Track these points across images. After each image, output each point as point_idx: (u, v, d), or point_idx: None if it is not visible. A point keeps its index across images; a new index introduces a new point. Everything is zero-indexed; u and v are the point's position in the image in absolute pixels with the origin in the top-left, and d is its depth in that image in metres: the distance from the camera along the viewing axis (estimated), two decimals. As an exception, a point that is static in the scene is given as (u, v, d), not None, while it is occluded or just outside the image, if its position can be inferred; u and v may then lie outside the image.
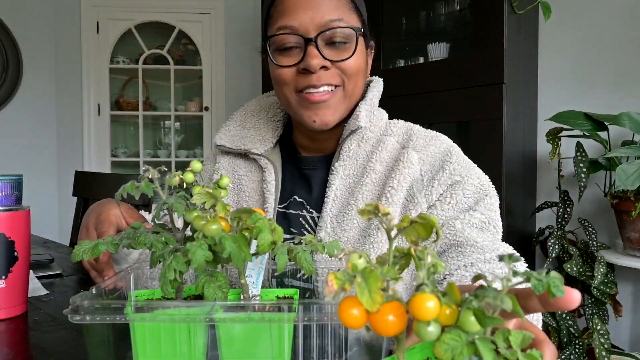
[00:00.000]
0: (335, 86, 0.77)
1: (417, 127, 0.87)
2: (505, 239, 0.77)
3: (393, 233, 0.35)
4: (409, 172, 0.77)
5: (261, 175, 0.86)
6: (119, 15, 3.40)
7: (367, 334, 0.54)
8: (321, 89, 0.76)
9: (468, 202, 0.76)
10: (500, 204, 0.80)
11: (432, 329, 0.29)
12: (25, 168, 3.18)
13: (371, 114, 0.83)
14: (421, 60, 2.17)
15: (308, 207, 0.84)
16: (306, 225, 0.83)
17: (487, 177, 0.81)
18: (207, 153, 3.50)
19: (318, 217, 0.82)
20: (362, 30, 0.78)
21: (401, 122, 0.88)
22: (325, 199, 0.80)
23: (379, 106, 0.90)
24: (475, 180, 0.77)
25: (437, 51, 2.11)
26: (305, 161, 0.87)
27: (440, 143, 0.82)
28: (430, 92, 2.02)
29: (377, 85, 0.88)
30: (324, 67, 0.75)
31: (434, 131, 0.86)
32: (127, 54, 3.52)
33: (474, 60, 1.90)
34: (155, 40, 3.53)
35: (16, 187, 1.17)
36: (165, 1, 3.40)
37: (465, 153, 0.85)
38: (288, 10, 0.75)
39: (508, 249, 0.73)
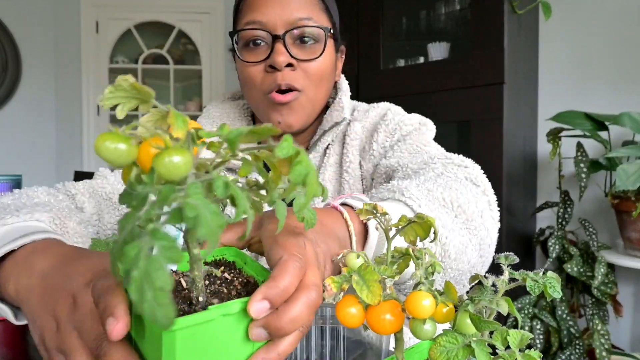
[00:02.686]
0: (298, 91, 0.75)
1: (360, 103, 0.89)
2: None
3: (391, 233, 0.35)
4: (356, 143, 0.80)
5: None
6: (119, 15, 3.40)
7: (369, 335, 0.54)
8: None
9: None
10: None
11: (428, 327, 0.29)
12: (25, 168, 3.18)
13: (350, 106, 0.85)
14: (421, 60, 2.17)
15: None
16: None
17: (420, 116, 0.83)
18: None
19: None
20: (331, 31, 0.78)
21: (351, 103, 0.89)
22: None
23: None
24: (410, 124, 0.79)
25: (437, 51, 2.10)
26: None
27: (379, 109, 0.84)
28: (430, 92, 2.02)
29: (345, 81, 0.88)
30: (290, 65, 0.73)
31: (376, 103, 0.88)
32: (126, 53, 3.52)
33: (474, 60, 1.90)
34: (154, 40, 3.53)
35: (16, 187, 1.17)
36: (165, 1, 3.39)
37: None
38: (257, 5, 0.74)
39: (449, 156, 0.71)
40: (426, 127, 0.79)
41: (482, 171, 0.67)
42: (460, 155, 0.70)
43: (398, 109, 0.83)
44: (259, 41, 0.74)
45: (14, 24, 3.20)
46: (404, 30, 2.36)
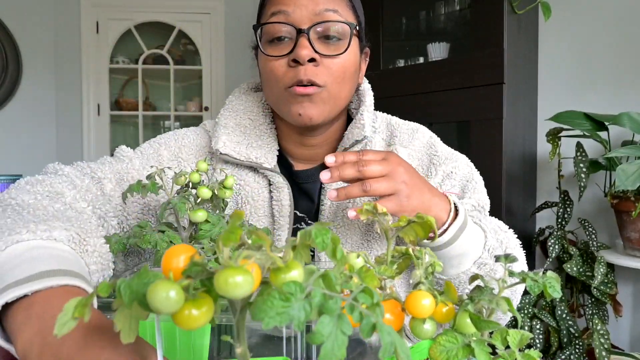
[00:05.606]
0: (320, 86, 0.73)
1: (395, 119, 0.88)
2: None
3: (391, 233, 0.35)
4: None
5: (269, 192, 0.81)
6: (119, 15, 3.40)
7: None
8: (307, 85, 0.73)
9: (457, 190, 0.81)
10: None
11: (428, 327, 0.29)
12: (25, 168, 3.18)
13: (373, 121, 0.83)
14: (421, 60, 2.17)
15: (308, 220, 0.82)
16: None
17: (465, 158, 0.85)
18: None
19: None
20: (357, 28, 0.77)
21: (379, 115, 0.88)
22: (321, 206, 0.79)
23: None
24: (464, 169, 0.81)
25: (437, 51, 2.10)
26: (302, 175, 0.82)
27: (422, 136, 0.84)
28: (430, 92, 2.02)
29: (369, 90, 0.87)
30: (313, 61, 0.72)
31: (411, 122, 0.88)
32: (126, 54, 3.52)
33: (474, 60, 1.90)
34: (155, 40, 3.53)
35: (16, 187, 1.17)
36: (165, 1, 3.40)
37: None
38: None
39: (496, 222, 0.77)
40: (477, 175, 0.82)
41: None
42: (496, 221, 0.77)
43: (438, 140, 0.86)
44: (282, 36, 0.74)
45: (14, 24, 3.20)
46: (404, 30, 2.36)
